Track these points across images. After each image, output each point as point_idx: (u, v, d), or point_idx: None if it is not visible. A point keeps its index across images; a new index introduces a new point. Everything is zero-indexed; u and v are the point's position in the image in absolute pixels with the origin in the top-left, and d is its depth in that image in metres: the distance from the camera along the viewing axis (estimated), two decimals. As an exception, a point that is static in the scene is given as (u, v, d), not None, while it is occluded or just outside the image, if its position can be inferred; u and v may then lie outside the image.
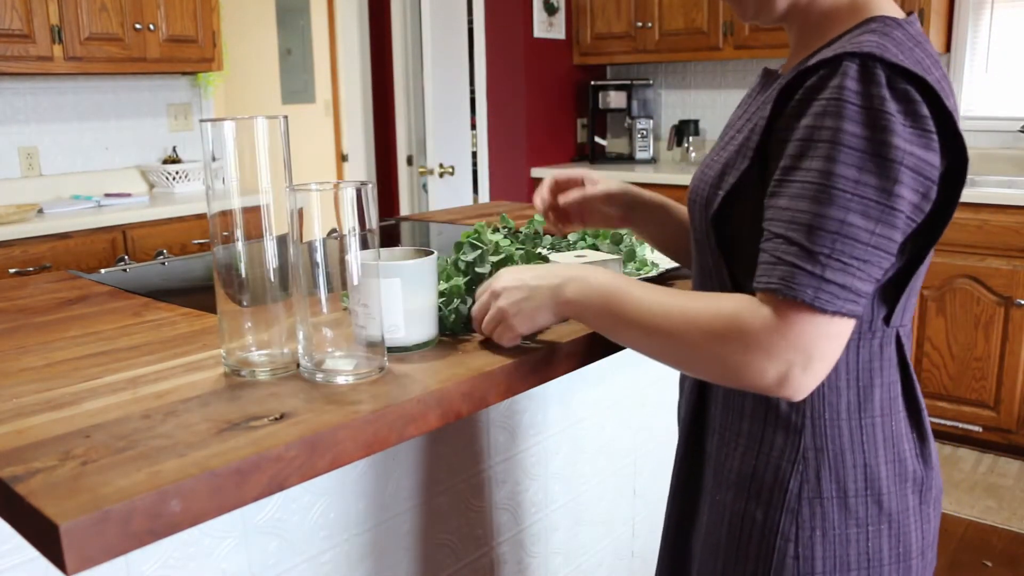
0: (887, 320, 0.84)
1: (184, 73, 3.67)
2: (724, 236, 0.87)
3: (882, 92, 0.73)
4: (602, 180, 1.17)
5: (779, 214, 0.76)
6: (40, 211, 3.03)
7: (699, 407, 0.98)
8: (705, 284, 0.94)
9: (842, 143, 0.72)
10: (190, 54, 3.44)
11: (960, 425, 3.00)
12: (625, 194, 1.16)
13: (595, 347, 1.08)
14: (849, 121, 0.72)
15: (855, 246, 0.73)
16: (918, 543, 0.89)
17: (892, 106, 0.73)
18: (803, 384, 0.75)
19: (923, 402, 0.90)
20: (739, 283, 0.88)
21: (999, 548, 2.44)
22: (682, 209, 1.16)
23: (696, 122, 4.09)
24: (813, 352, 0.74)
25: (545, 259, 1.31)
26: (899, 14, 0.84)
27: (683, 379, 1.04)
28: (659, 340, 0.83)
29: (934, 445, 0.92)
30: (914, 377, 0.90)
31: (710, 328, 0.77)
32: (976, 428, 2.98)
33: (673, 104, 4.24)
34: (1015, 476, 2.87)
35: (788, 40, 0.94)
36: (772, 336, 0.74)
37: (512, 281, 0.94)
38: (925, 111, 0.74)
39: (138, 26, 3.23)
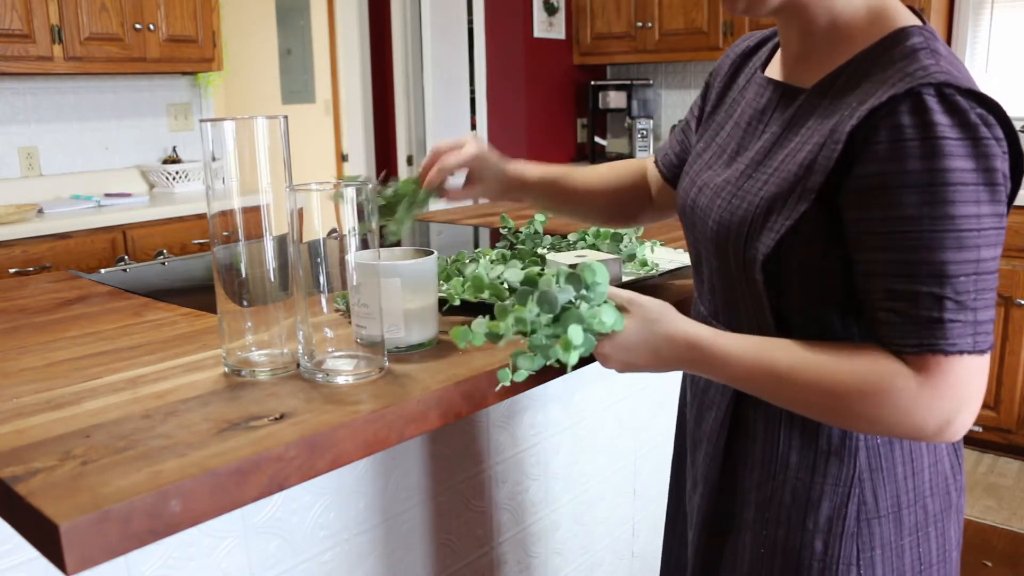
0: None
1: (184, 73, 3.67)
2: (769, 273, 0.83)
3: (972, 119, 0.71)
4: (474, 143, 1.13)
5: (903, 269, 0.72)
6: (40, 211, 3.03)
7: (731, 443, 0.94)
8: (736, 314, 0.90)
9: (956, 181, 0.70)
10: (190, 54, 3.44)
11: (960, 425, 3.00)
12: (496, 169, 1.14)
13: (595, 347, 1.08)
14: (956, 158, 0.70)
15: (988, 279, 0.73)
16: (956, 536, 0.90)
17: (985, 131, 0.71)
18: (965, 424, 0.75)
19: None
20: (782, 317, 0.84)
21: (999, 548, 2.45)
22: (568, 178, 1.17)
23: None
24: (972, 394, 0.74)
25: (542, 259, 1.31)
26: (916, 21, 0.81)
27: (701, 411, 0.99)
28: (801, 406, 0.80)
29: None
30: None
31: (859, 395, 0.75)
32: (976, 428, 2.98)
33: (673, 104, 4.24)
34: (1015, 476, 2.87)
35: (783, 37, 0.88)
36: (929, 394, 0.73)
37: (623, 365, 0.87)
38: (1000, 132, 0.73)
39: (138, 26, 3.23)
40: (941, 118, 0.70)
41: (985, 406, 2.95)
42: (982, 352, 0.73)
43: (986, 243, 0.71)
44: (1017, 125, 3.05)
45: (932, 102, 0.71)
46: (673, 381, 1.71)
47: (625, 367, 0.87)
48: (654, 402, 1.69)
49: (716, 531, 0.97)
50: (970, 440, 3.04)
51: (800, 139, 0.81)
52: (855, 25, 0.81)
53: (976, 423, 2.97)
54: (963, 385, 0.73)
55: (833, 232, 0.77)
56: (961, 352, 0.72)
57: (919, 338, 0.72)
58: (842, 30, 0.82)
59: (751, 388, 0.83)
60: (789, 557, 0.88)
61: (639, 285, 1.28)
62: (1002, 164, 0.72)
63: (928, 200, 0.70)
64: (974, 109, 0.71)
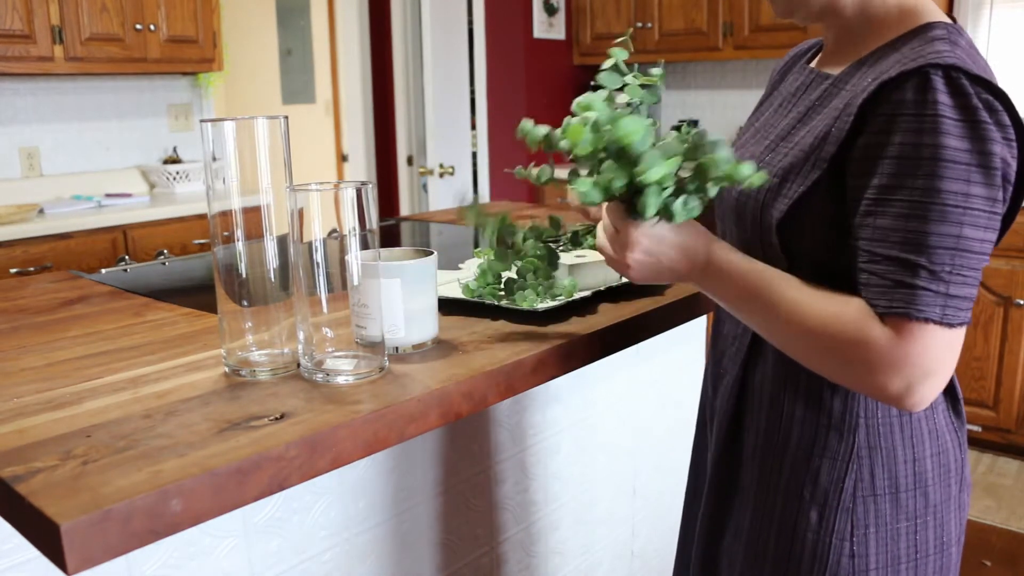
0: None
1: (184, 73, 3.67)
2: (784, 241, 0.86)
3: (974, 102, 0.74)
4: None
5: (887, 235, 0.75)
6: (41, 211, 3.03)
7: (739, 410, 0.97)
8: None
9: (946, 158, 0.72)
10: (190, 54, 3.44)
11: (960, 425, 3.00)
12: None
13: (596, 347, 1.08)
14: (950, 136, 0.73)
15: (970, 257, 0.74)
16: (957, 530, 0.91)
17: (985, 115, 0.74)
18: (926, 397, 0.76)
19: (960, 390, 0.92)
20: None
21: (998, 547, 2.45)
22: None
23: (696, 122, 4.09)
24: (936, 366, 0.75)
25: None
26: (946, 19, 0.84)
27: (716, 380, 1.03)
28: (785, 337, 0.83)
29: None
30: None
31: (834, 339, 0.78)
32: (975, 428, 2.99)
33: (673, 104, 4.24)
34: (1014, 476, 2.87)
35: (824, 37, 0.94)
36: (896, 354, 0.74)
37: (645, 255, 0.87)
38: (1007, 120, 0.75)
39: (139, 26, 3.23)
40: (943, 97, 0.73)
41: (984, 406, 2.95)
42: (951, 325, 0.74)
43: (971, 223, 0.73)
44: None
45: (938, 82, 0.74)
46: (674, 381, 1.72)
47: (643, 263, 0.87)
48: (655, 402, 1.69)
49: (723, 497, 1.00)
50: (969, 440, 3.03)
51: (821, 118, 0.85)
52: (887, 22, 0.86)
53: (975, 423, 2.97)
54: (928, 354, 0.74)
55: (842, 201, 0.81)
56: (928, 320, 0.73)
57: (890, 300, 0.75)
58: (874, 26, 0.87)
59: (745, 312, 0.85)
60: (785, 526, 0.90)
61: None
62: (1002, 149, 0.74)
63: (917, 172, 0.73)
64: (979, 94, 0.74)
